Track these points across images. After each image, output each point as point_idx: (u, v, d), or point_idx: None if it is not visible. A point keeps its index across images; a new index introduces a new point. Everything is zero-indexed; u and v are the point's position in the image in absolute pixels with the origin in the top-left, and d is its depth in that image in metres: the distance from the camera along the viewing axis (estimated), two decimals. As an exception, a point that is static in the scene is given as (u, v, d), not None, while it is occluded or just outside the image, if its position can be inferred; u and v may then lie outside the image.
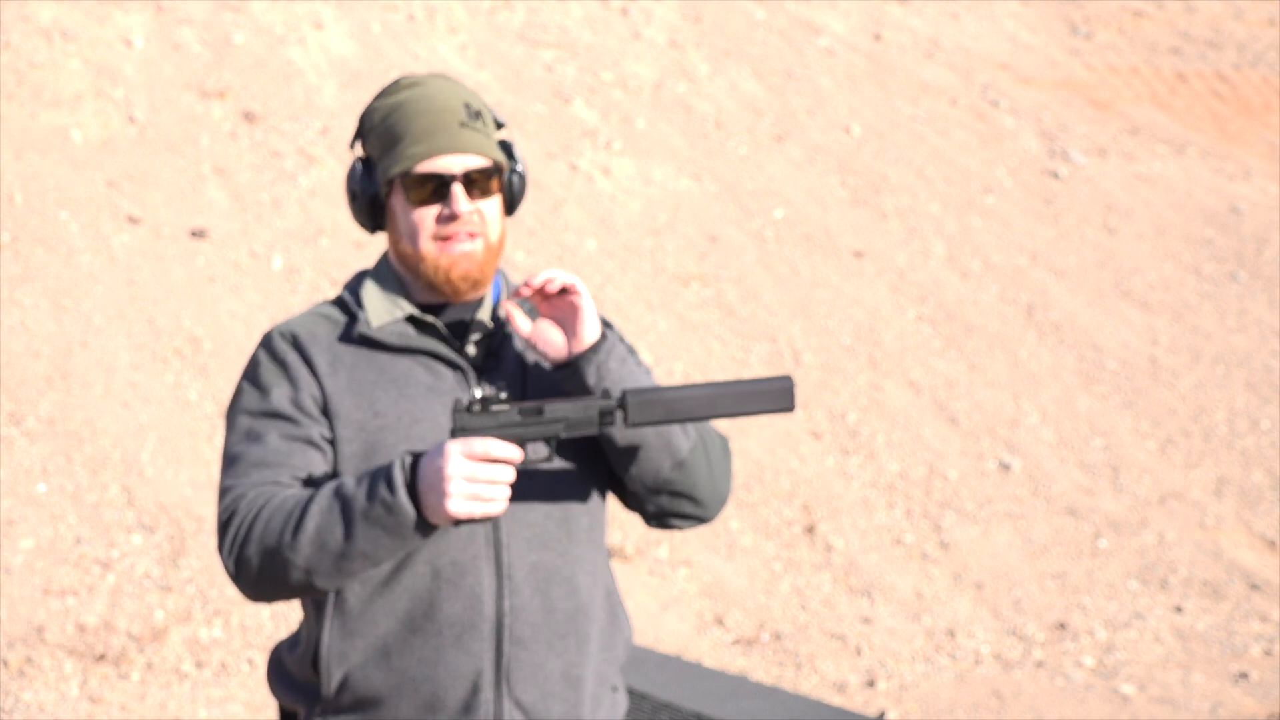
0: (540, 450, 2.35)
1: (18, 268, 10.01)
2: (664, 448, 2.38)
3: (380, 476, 2.27)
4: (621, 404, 2.28)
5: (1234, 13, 19.45)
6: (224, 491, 2.38)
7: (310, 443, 2.38)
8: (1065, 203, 14.38)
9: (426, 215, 2.41)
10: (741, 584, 8.76)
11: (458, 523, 2.29)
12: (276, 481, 2.36)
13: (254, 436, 2.39)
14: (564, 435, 2.28)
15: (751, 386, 2.32)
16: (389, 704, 2.36)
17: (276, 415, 2.39)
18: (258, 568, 2.31)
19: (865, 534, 9.39)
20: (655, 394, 2.29)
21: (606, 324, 2.42)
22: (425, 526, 2.26)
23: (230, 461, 2.40)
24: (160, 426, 8.87)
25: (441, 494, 2.21)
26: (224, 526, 2.35)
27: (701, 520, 2.47)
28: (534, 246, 11.58)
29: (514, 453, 2.24)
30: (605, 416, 2.28)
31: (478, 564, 2.37)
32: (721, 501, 2.47)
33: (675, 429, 2.38)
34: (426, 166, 2.39)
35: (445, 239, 2.41)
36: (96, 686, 7.15)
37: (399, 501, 2.24)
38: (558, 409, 2.28)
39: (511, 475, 2.25)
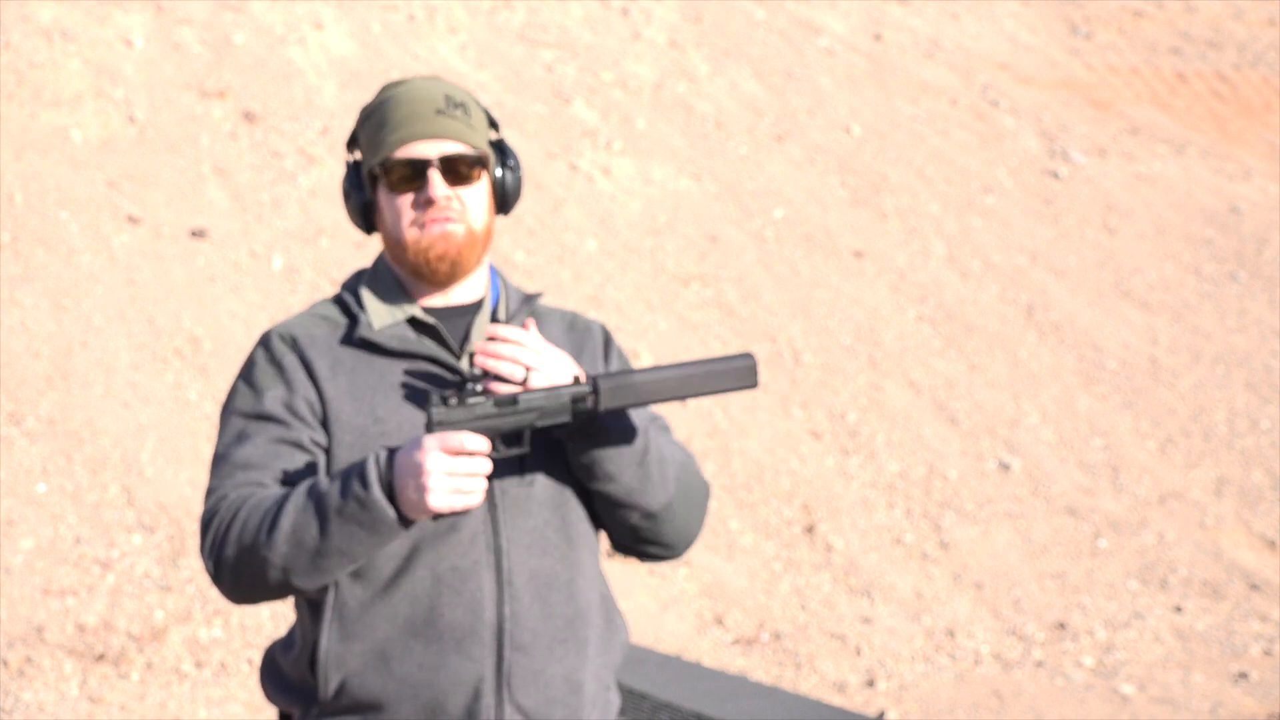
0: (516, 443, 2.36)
1: (18, 268, 10.02)
2: (637, 502, 2.41)
3: (354, 473, 2.28)
4: (594, 390, 2.30)
5: (1234, 13, 19.45)
6: (208, 493, 2.39)
7: (299, 446, 2.38)
8: (1065, 203, 14.38)
9: (405, 201, 2.42)
10: (741, 584, 8.76)
11: (437, 517, 2.30)
12: (260, 483, 2.36)
13: (243, 437, 2.39)
14: (539, 424, 2.30)
15: (717, 366, 2.35)
16: (389, 709, 2.36)
17: (268, 417, 2.39)
18: (235, 567, 2.31)
19: (865, 534, 9.39)
20: (626, 378, 2.31)
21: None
22: (402, 521, 2.27)
23: (218, 461, 2.40)
24: (160, 426, 8.87)
25: (421, 489, 2.22)
26: (205, 527, 2.36)
27: (666, 559, 2.51)
28: (534, 246, 11.58)
29: (485, 445, 2.26)
30: (578, 402, 2.30)
31: (478, 570, 2.37)
32: (689, 544, 2.51)
33: (656, 481, 2.40)
34: (403, 152, 2.41)
35: (424, 224, 2.41)
36: (96, 686, 7.15)
37: (373, 498, 2.24)
38: (532, 398, 2.29)
39: (488, 467, 2.26)
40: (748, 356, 2.37)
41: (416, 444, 2.24)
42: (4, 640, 7.31)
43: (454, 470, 2.23)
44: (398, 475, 2.25)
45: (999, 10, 18.25)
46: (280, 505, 2.30)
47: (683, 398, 2.34)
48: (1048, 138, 15.49)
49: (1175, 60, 18.16)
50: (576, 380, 2.32)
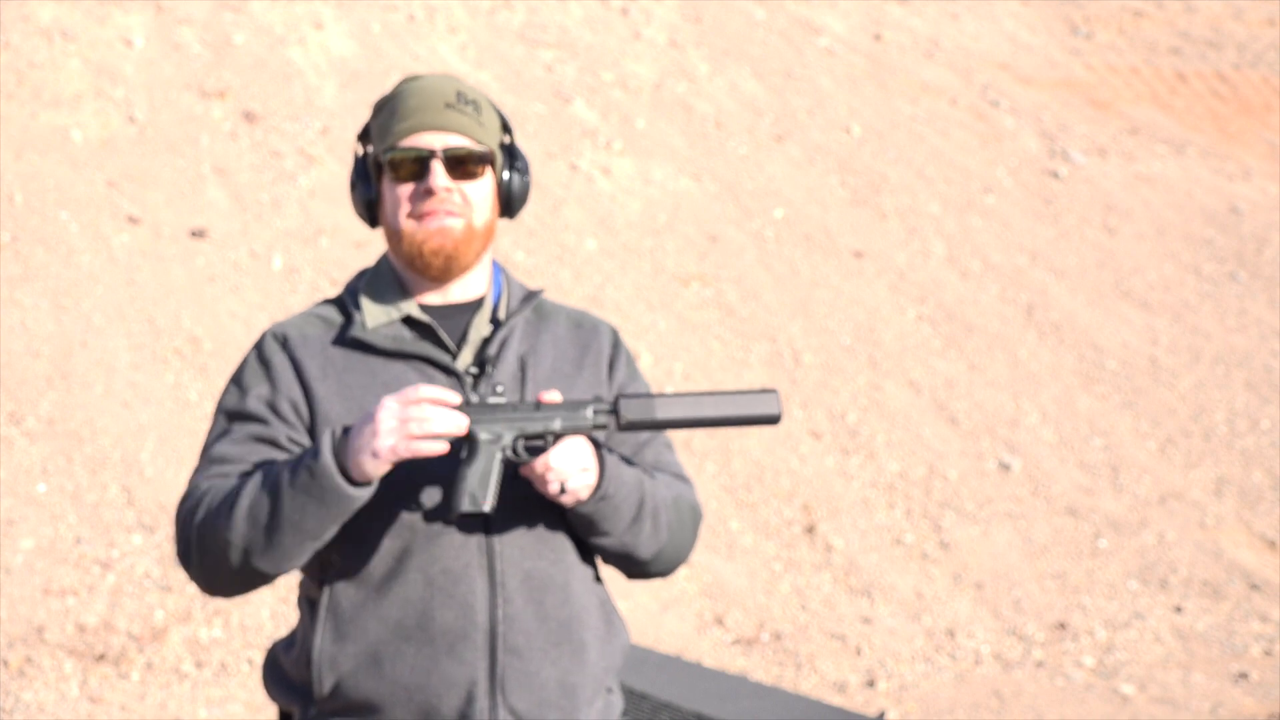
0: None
1: (18, 268, 10.01)
2: (629, 554, 2.44)
3: (308, 448, 2.31)
4: (614, 408, 2.34)
5: (1234, 13, 19.45)
6: (187, 489, 2.42)
7: (274, 444, 2.40)
8: (1065, 203, 14.38)
9: (405, 191, 2.43)
10: (741, 584, 8.76)
11: (405, 491, 2.30)
12: (228, 475, 2.38)
13: (224, 434, 2.42)
14: (559, 431, 2.32)
15: (741, 399, 2.39)
16: (383, 711, 2.36)
17: (248, 415, 2.42)
18: (202, 553, 2.33)
19: (865, 534, 9.39)
20: (647, 400, 2.35)
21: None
22: (354, 489, 2.25)
23: (200, 457, 2.44)
24: (160, 426, 8.87)
25: (374, 433, 2.22)
26: (176, 518, 2.39)
27: (651, 579, 2.57)
28: (534, 246, 11.58)
29: (451, 396, 2.27)
30: (598, 415, 2.34)
31: (470, 573, 2.37)
32: (674, 568, 2.54)
33: (648, 534, 2.42)
34: (408, 142, 2.42)
35: (422, 216, 2.41)
36: (96, 686, 7.15)
37: (321, 463, 2.25)
38: (554, 407, 2.33)
39: (448, 420, 2.24)
40: (771, 391, 2.41)
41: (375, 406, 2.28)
42: (4, 640, 7.30)
43: (408, 416, 2.23)
44: (351, 439, 2.26)
45: (999, 10, 18.25)
46: (240, 487, 2.32)
47: (702, 426, 2.38)
48: (1048, 138, 15.49)
49: (1175, 60, 18.16)
50: (598, 398, 2.37)
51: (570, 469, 2.31)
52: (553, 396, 2.34)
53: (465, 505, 2.29)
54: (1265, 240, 14.41)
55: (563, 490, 2.31)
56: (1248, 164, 16.00)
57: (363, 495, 2.27)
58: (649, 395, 2.37)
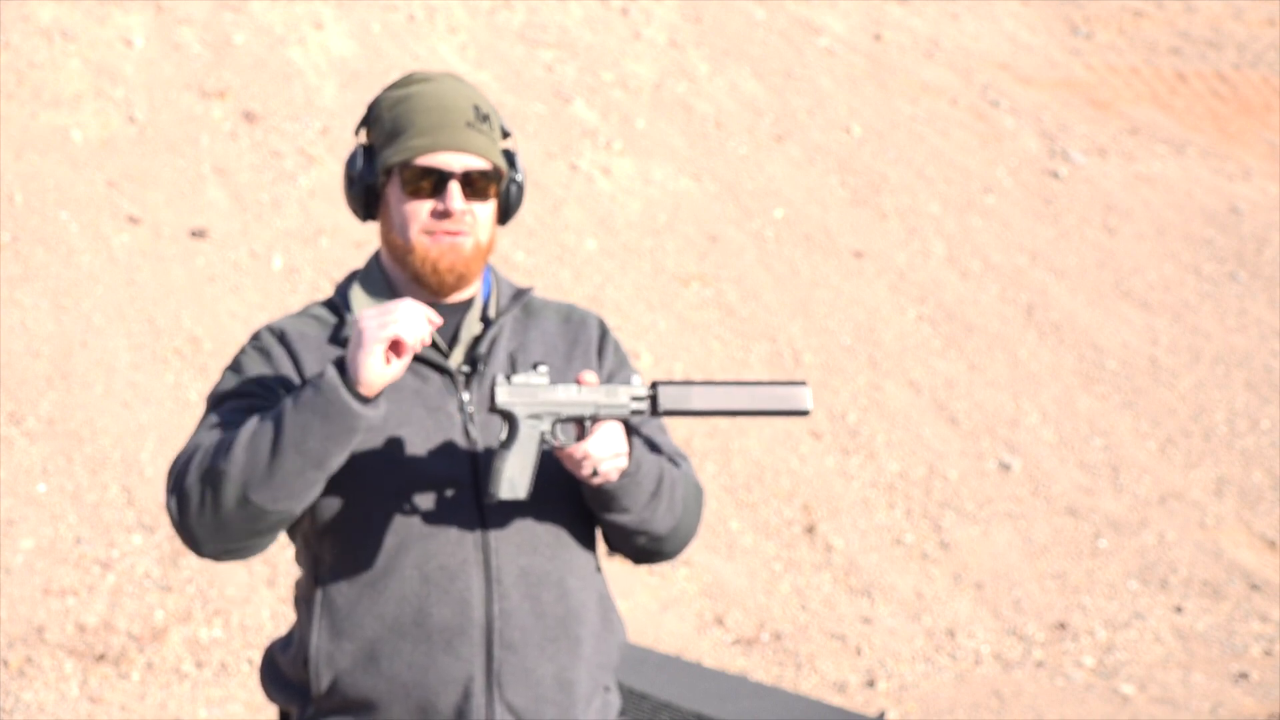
0: (570, 431, 2.39)
1: (18, 268, 10.01)
2: (647, 529, 2.43)
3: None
4: (652, 395, 2.35)
5: (1234, 13, 19.45)
6: (183, 448, 2.38)
7: None
8: (1065, 203, 14.38)
9: (420, 209, 2.42)
10: (741, 584, 8.76)
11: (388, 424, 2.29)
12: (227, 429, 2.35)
13: (220, 409, 2.39)
14: (598, 415, 2.32)
15: (773, 390, 2.39)
16: (380, 708, 2.36)
17: (246, 393, 2.40)
18: (197, 495, 2.26)
19: (865, 534, 9.39)
20: (684, 388, 2.36)
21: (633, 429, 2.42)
22: (358, 404, 2.22)
23: (197, 427, 2.41)
24: (160, 426, 8.87)
25: (358, 342, 2.20)
26: (169, 472, 2.34)
27: (661, 562, 2.55)
28: (534, 246, 11.58)
29: (432, 315, 2.25)
30: (636, 401, 2.34)
31: (466, 569, 2.37)
32: (685, 546, 2.54)
33: (666, 507, 2.42)
34: (427, 160, 2.41)
35: (435, 233, 2.42)
36: (96, 686, 7.15)
37: (326, 377, 2.22)
38: (592, 391, 2.33)
39: (415, 320, 2.22)
40: (802, 383, 2.41)
41: None
42: (4, 640, 7.30)
43: (384, 310, 2.21)
44: (348, 355, 2.24)
45: (999, 10, 18.25)
46: (242, 425, 2.29)
47: (735, 414, 2.38)
48: (1048, 138, 15.49)
49: (1175, 60, 18.16)
50: (635, 383, 2.37)
51: (606, 454, 2.30)
52: (590, 379, 2.33)
53: (504, 492, 2.28)
54: (1265, 240, 14.41)
55: (595, 473, 2.31)
56: (1248, 164, 16.00)
57: (367, 413, 2.23)
58: (686, 383, 2.36)
